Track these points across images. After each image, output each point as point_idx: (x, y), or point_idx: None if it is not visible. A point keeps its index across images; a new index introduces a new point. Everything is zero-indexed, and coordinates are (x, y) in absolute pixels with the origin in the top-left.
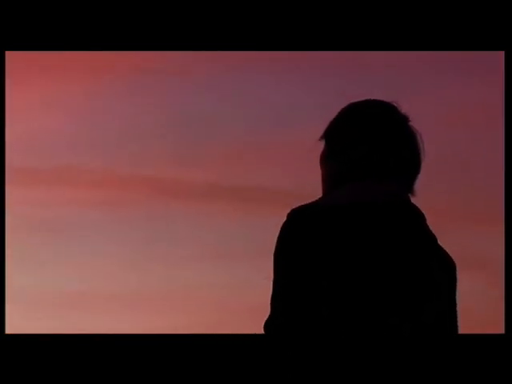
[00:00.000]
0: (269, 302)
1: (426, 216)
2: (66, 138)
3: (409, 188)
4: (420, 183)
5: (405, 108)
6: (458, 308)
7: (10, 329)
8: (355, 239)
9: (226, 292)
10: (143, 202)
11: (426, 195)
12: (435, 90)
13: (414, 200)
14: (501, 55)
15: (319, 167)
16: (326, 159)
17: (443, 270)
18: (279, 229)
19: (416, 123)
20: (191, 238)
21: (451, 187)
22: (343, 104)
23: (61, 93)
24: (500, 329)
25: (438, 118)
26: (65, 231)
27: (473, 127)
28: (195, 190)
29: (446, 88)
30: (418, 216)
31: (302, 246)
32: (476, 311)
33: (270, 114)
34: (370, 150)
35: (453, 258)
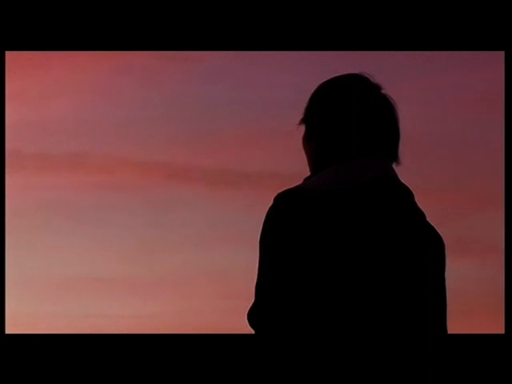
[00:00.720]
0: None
1: (433, 202)
2: (78, 124)
3: (393, 157)
4: (424, 170)
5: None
6: (447, 286)
7: (18, 313)
8: (341, 225)
9: (237, 278)
10: (154, 187)
11: (432, 182)
12: (435, 87)
13: (414, 181)
14: (501, 55)
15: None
16: (306, 141)
17: (433, 249)
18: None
19: (414, 117)
20: (202, 222)
21: (454, 175)
22: None
23: (73, 79)
24: (499, 317)
25: (437, 114)
26: (75, 217)
27: (474, 120)
28: (206, 176)
29: (447, 85)
30: (405, 194)
31: (287, 233)
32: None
33: (280, 100)
34: (344, 122)
35: (461, 244)
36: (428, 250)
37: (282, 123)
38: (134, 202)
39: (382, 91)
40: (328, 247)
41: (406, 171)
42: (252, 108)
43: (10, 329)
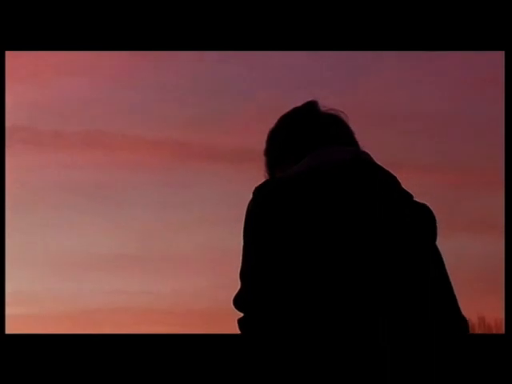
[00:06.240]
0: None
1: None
2: (94, 103)
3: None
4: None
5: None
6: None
7: (41, 285)
8: (316, 205)
9: None
10: (170, 166)
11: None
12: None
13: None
14: (501, 55)
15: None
16: (270, 170)
17: (421, 225)
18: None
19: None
20: (219, 200)
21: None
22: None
23: (88, 60)
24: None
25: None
26: (91, 195)
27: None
28: (223, 155)
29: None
30: (379, 174)
31: (266, 220)
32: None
33: (296, 79)
34: (302, 143)
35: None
36: (401, 224)
37: (299, 102)
38: (150, 180)
39: (319, 108)
40: (304, 228)
41: (419, 151)
42: (269, 88)
43: (32, 306)
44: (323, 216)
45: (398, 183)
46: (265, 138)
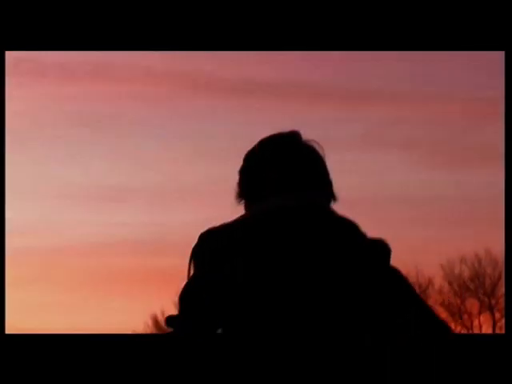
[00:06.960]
0: None
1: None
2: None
3: (328, 196)
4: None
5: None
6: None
7: (63, 216)
8: (259, 247)
9: None
10: (177, 97)
11: None
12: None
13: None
14: (501, 55)
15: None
16: (241, 191)
17: (365, 263)
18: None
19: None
20: (227, 132)
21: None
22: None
23: None
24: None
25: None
26: (98, 126)
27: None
28: (231, 86)
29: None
30: (330, 218)
31: (209, 260)
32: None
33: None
34: (271, 176)
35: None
36: (343, 259)
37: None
38: (157, 112)
39: (308, 143)
40: (249, 269)
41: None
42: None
43: (33, 238)
44: (263, 259)
45: (351, 228)
46: (274, 70)
